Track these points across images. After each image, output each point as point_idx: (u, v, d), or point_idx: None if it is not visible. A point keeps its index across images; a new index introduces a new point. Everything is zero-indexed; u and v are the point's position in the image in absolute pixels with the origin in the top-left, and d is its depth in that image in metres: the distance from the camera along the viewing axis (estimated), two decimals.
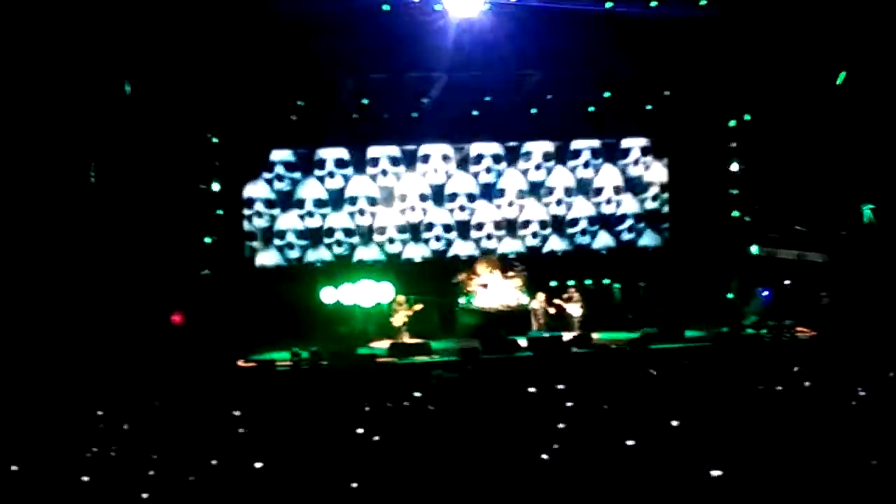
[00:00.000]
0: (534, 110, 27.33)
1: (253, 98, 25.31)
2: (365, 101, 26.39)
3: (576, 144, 28.66)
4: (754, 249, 26.88)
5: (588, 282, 26.84)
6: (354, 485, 11.11)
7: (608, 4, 23.25)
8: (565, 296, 25.56)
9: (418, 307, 24.88)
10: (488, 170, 28.23)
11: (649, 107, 27.68)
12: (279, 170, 27.33)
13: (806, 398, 15.99)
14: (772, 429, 13.42)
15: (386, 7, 22.62)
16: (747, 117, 27.55)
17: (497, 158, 28.29)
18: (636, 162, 28.88)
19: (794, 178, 26.01)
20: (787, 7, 23.31)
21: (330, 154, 27.59)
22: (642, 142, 28.87)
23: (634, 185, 28.91)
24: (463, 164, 28.18)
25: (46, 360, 19.90)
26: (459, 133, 27.87)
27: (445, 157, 28.11)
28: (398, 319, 24.68)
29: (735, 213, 27.97)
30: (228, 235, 26.02)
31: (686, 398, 16.43)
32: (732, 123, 27.86)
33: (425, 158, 28.06)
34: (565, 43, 24.13)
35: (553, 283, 26.59)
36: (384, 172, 27.85)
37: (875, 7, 22.62)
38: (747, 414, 14.39)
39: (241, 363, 22.91)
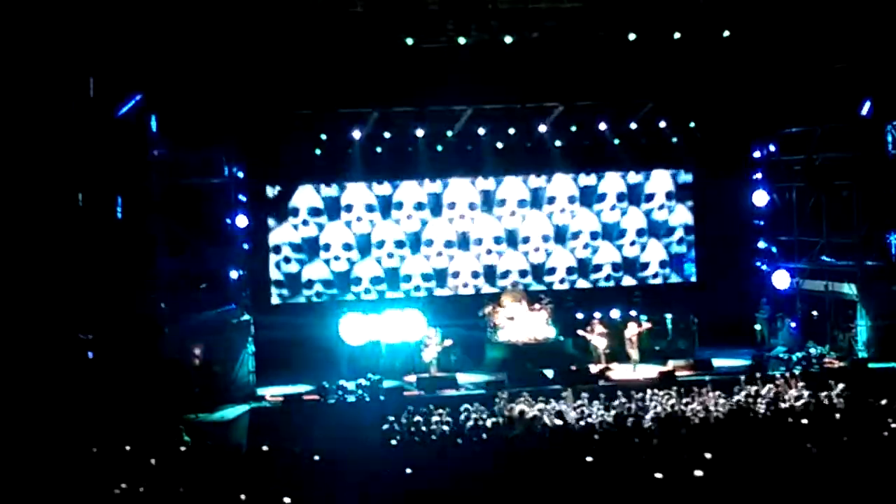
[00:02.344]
0: (558, 143, 27.20)
1: (277, 133, 25.43)
2: (387, 135, 26.36)
3: (602, 188, 28.56)
4: (781, 280, 26.65)
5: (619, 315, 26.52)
6: None
7: (631, 36, 23.30)
8: (589, 328, 25.36)
9: (448, 342, 24.77)
10: (512, 213, 28.30)
11: (675, 139, 27.51)
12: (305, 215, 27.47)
13: (838, 429, 15.88)
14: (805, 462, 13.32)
15: (409, 40, 22.78)
16: (772, 148, 27.46)
17: (522, 203, 28.32)
18: (661, 206, 28.77)
19: (822, 208, 25.93)
20: (810, 36, 23.31)
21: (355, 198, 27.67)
22: (668, 185, 28.74)
23: (658, 229, 28.85)
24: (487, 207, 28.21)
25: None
26: (483, 168, 27.86)
27: (472, 205, 28.19)
28: (429, 354, 24.55)
29: (761, 244, 27.80)
30: (255, 270, 25.97)
31: (717, 430, 16.38)
32: (757, 154, 27.75)
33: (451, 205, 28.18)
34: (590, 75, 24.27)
35: (580, 316, 26.36)
36: (409, 217, 27.94)
37: None
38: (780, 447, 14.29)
39: (268, 396, 22.89)
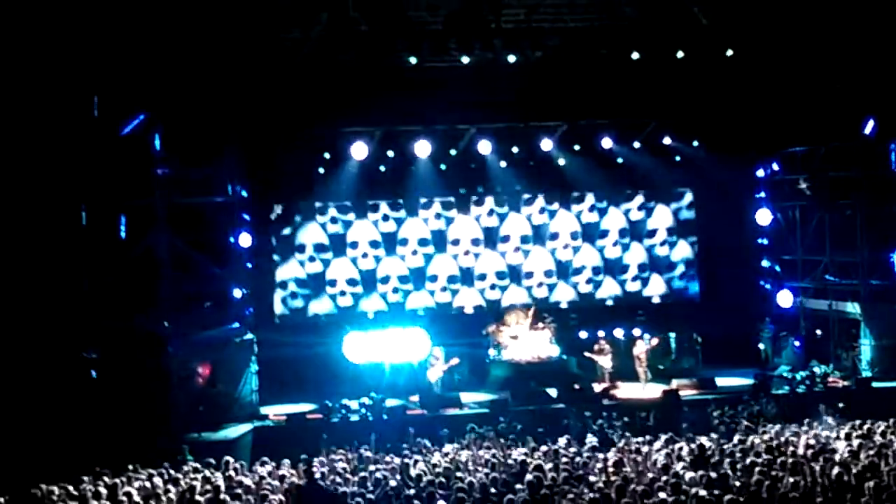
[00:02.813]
0: (563, 161, 27.24)
1: (282, 153, 25.51)
2: (390, 154, 26.40)
3: (604, 225, 28.61)
4: (785, 299, 26.64)
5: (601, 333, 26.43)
6: None
7: (634, 55, 23.34)
8: (597, 347, 25.36)
9: (455, 361, 24.76)
10: (516, 249, 28.39)
11: (678, 158, 27.53)
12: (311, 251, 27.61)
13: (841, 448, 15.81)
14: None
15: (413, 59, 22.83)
16: (775, 167, 27.49)
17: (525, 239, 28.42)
18: (663, 242, 28.81)
19: (825, 227, 25.93)
20: (814, 56, 23.34)
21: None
22: (669, 220, 28.78)
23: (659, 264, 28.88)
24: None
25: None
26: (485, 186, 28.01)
27: (475, 241, 28.25)
28: (434, 374, 24.53)
29: (764, 263, 27.79)
30: (258, 288, 25.99)
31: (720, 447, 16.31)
32: (761, 173, 27.78)
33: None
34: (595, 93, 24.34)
35: (584, 334, 26.35)
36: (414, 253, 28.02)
37: None
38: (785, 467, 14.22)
39: (271, 415, 22.87)
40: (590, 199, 28.56)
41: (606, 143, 26.59)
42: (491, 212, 28.30)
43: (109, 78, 21.40)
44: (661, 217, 28.79)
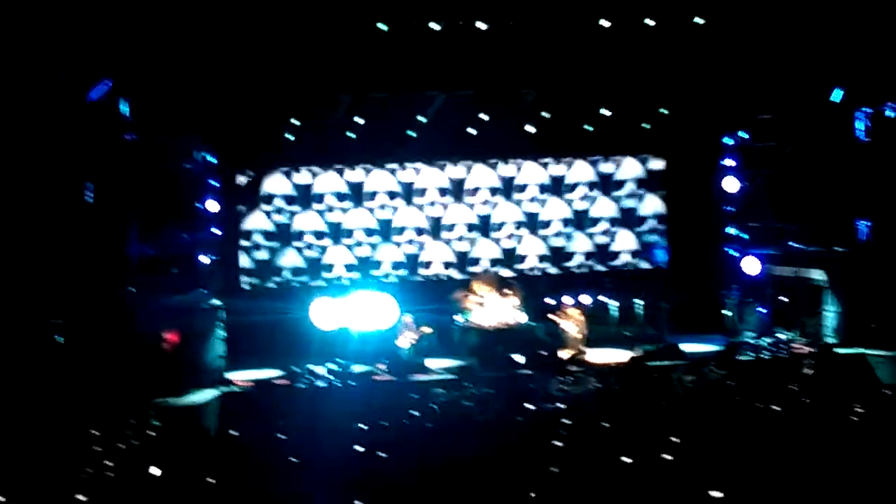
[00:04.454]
0: (530, 128, 27.21)
1: (249, 118, 25.34)
2: (360, 121, 26.28)
3: (571, 177, 28.58)
4: (751, 266, 26.77)
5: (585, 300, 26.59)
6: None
7: (604, 23, 23.35)
8: (560, 313, 25.46)
9: (427, 329, 24.82)
10: (485, 202, 28.31)
11: (647, 125, 27.53)
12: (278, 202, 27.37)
13: (806, 415, 15.98)
14: (772, 447, 13.39)
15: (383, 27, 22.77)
16: (743, 134, 27.55)
17: (494, 191, 28.35)
18: (631, 194, 28.84)
19: (791, 194, 26.03)
20: (782, 22, 23.39)
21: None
22: (638, 171, 28.80)
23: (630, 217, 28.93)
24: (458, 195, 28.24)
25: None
26: (454, 153, 27.77)
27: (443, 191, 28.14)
28: (405, 340, 24.57)
29: (731, 230, 27.92)
30: (226, 254, 25.93)
31: (686, 416, 16.43)
32: (728, 140, 27.85)
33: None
34: (562, 61, 24.29)
35: (550, 301, 26.48)
36: (382, 206, 27.92)
37: (873, 22, 22.66)
38: (747, 432, 14.36)
39: (238, 381, 22.87)
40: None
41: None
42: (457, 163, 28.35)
43: (75, 44, 21.22)
44: (630, 169, 28.92)
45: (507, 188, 28.48)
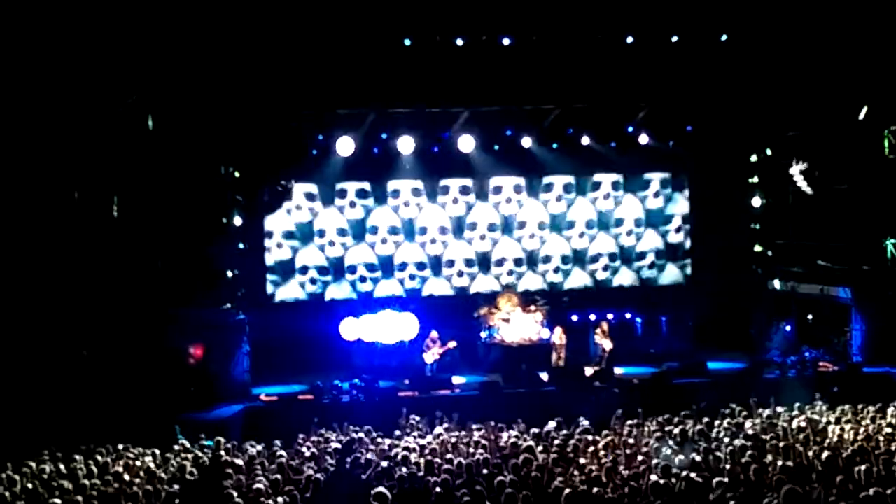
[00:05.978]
0: (555, 144, 27.17)
1: (272, 132, 25.41)
2: (383, 136, 26.29)
3: (597, 177, 28.47)
4: (777, 284, 26.69)
5: (610, 316, 26.52)
6: None
7: (629, 39, 23.37)
8: (599, 330, 25.35)
9: (453, 344, 24.80)
10: (508, 200, 28.17)
11: (671, 143, 27.45)
12: (300, 201, 27.33)
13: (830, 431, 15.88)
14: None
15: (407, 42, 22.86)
16: (769, 152, 27.48)
17: (518, 189, 28.21)
18: (656, 194, 28.73)
19: (818, 213, 25.92)
20: (808, 42, 23.35)
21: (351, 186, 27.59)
22: (664, 174, 28.70)
23: (655, 218, 28.77)
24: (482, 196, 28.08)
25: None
26: (480, 167, 27.69)
27: (464, 189, 28.03)
28: (431, 356, 24.57)
29: (757, 248, 27.82)
30: (250, 269, 25.98)
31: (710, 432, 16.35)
32: (754, 158, 27.78)
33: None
34: (588, 77, 24.30)
35: (574, 318, 26.47)
36: (406, 203, 27.84)
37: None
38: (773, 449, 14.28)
39: (262, 396, 22.89)
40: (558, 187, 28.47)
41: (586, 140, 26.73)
42: (455, 200, 28.13)
43: (103, 58, 21.35)
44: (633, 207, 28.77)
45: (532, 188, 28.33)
